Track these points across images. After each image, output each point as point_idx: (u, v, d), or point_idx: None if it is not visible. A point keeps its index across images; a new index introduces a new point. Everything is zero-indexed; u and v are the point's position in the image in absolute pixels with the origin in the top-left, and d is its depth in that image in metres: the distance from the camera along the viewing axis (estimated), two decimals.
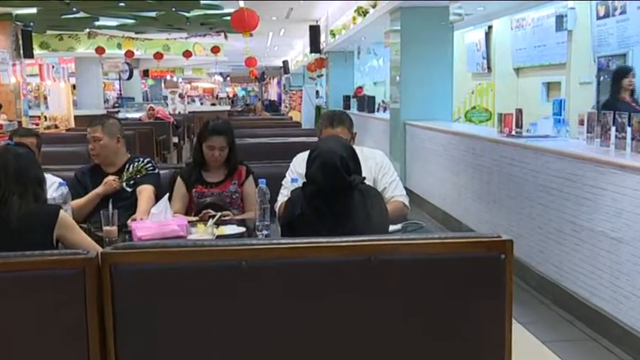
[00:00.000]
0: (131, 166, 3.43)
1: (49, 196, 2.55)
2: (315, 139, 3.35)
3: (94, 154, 3.36)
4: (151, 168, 3.44)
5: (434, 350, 1.79)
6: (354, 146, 3.23)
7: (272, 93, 39.16)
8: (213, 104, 22.65)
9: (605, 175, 3.48)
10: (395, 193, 3.13)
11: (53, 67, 12.60)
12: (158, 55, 17.37)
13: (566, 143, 4.34)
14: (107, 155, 3.37)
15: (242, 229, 2.88)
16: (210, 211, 3.07)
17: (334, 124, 3.06)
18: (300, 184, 2.93)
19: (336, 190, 2.36)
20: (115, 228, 2.72)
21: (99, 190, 3.27)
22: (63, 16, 12.50)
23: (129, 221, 2.93)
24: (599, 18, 6.75)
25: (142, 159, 3.48)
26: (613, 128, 3.76)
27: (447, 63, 7.61)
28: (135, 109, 16.04)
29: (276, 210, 3.22)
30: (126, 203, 3.28)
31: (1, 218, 2.22)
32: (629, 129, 3.58)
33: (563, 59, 7.63)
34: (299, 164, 3.27)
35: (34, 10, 11.33)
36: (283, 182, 3.28)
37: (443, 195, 6.35)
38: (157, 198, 3.21)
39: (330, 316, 1.76)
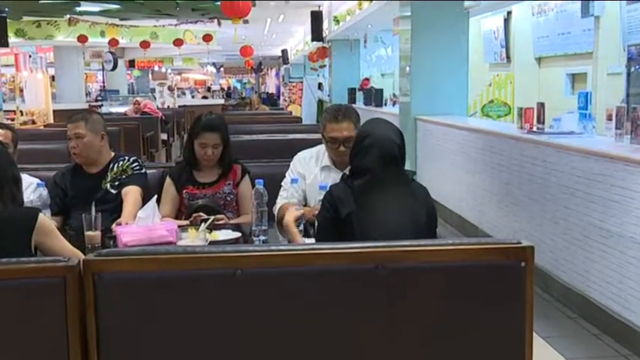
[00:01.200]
0: (115, 165, 3.44)
1: (25, 199, 2.55)
2: (318, 136, 3.36)
3: (76, 152, 3.37)
4: (137, 167, 3.45)
5: None
6: None
7: (270, 85, 39.17)
8: (205, 97, 22.67)
9: (636, 176, 3.48)
10: None
11: (30, 56, 12.61)
12: (145, 44, 17.40)
13: (593, 140, 4.34)
14: (90, 154, 3.38)
15: (237, 235, 2.89)
16: (202, 214, 3.08)
17: (339, 118, 3.07)
18: (301, 186, 2.94)
19: (392, 185, 2.34)
20: (98, 233, 2.72)
21: None
22: (41, 1, 12.53)
23: (113, 226, 2.94)
24: (629, 3, 6.74)
25: (127, 158, 3.49)
26: None
27: (462, 52, 7.61)
28: (119, 103, 16.05)
29: (275, 213, 3.22)
30: (110, 206, 3.29)
31: None
32: None
33: (589, 48, 7.63)
34: (300, 163, 3.28)
35: None
36: (283, 183, 3.29)
37: (457, 197, 6.35)
38: (144, 200, 3.21)
39: (334, 329, 1.76)
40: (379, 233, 2.23)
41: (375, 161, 2.34)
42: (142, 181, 3.40)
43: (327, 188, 2.66)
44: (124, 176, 3.40)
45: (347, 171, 2.57)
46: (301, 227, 2.80)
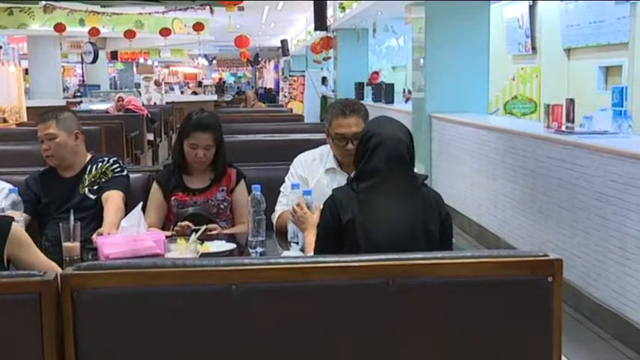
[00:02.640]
0: (94, 167, 3.45)
1: None
2: (322, 135, 3.37)
3: (49, 155, 3.37)
4: (118, 169, 3.46)
5: None
6: None
7: (268, 79, 39.22)
8: (195, 93, 22.71)
9: None
10: None
11: (1, 47, 12.65)
12: (129, 34, 17.43)
13: (629, 141, 4.34)
14: (65, 155, 3.39)
15: (232, 246, 2.89)
16: (190, 224, 3.08)
17: (347, 113, 3.08)
18: (301, 192, 2.95)
19: (400, 189, 2.34)
20: (77, 244, 2.73)
21: None
22: None
23: (94, 236, 2.95)
24: None
25: (106, 159, 3.50)
26: None
27: (482, 43, 7.62)
28: (100, 99, 16.08)
29: (273, 222, 3.23)
30: (89, 213, 3.30)
31: None
32: None
33: (624, 38, 7.63)
34: (301, 166, 3.29)
35: None
36: (282, 189, 3.30)
37: (477, 204, 6.35)
38: (127, 207, 3.22)
39: (338, 350, 1.76)
40: (384, 244, 2.24)
41: (382, 163, 2.34)
42: (123, 185, 3.41)
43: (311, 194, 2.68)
44: (103, 179, 3.41)
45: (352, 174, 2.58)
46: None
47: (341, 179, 3.18)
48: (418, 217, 2.35)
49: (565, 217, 4.65)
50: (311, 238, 2.63)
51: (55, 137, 3.34)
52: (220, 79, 37.10)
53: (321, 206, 2.55)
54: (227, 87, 34.14)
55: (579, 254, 4.43)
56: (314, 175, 3.23)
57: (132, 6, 16.15)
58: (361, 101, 9.71)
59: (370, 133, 2.43)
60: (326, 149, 3.26)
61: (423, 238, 2.30)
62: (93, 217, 3.27)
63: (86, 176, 3.42)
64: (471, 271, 1.79)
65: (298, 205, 2.84)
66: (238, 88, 34.28)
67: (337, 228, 2.36)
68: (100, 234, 2.96)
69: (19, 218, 2.86)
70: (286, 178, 3.30)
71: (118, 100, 10.66)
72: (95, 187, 3.40)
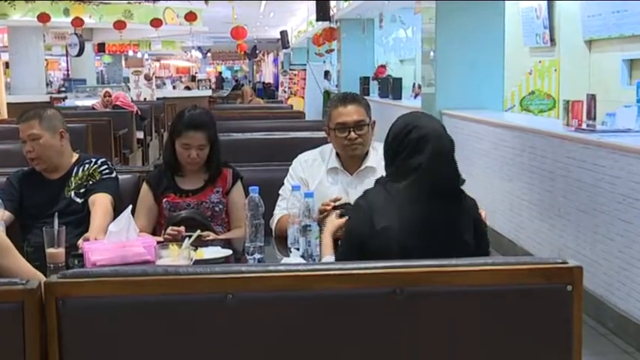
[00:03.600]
0: (80, 169, 3.45)
1: None
2: (324, 134, 3.38)
3: (34, 157, 3.37)
4: (107, 171, 3.46)
5: None
6: (374, 142, 3.26)
7: (266, 73, 39.25)
8: (188, 88, 22.72)
9: None
10: None
11: None
12: (117, 25, 17.45)
13: None
14: (50, 157, 3.39)
15: (227, 252, 2.90)
16: (182, 229, 3.09)
17: (347, 102, 3.13)
18: (302, 194, 2.94)
19: (443, 192, 2.31)
20: (61, 250, 2.74)
21: None
22: None
23: (80, 241, 2.96)
24: None
25: (94, 160, 3.51)
26: None
27: (497, 34, 7.62)
28: (86, 95, 16.08)
29: (272, 227, 3.23)
30: (75, 218, 3.31)
31: None
32: None
33: None
34: (301, 167, 3.29)
35: None
36: (281, 191, 3.30)
37: (491, 208, 6.35)
38: (116, 211, 3.23)
39: None
40: (420, 255, 2.21)
41: (427, 158, 2.28)
42: (112, 188, 3.42)
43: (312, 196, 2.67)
44: (90, 182, 3.41)
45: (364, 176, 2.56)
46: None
47: (344, 179, 3.20)
48: (456, 225, 2.32)
49: (586, 221, 4.65)
50: (327, 239, 2.61)
51: (38, 138, 3.34)
52: (220, 72, 37.17)
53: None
54: (228, 80, 34.23)
55: (601, 261, 4.43)
56: (315, 177, 3.24)
57: None
58: (366, 97, 9.72)
59: (409, 126, 2.37)
60: (327, 148, 3.28)
61: (459, 249, 2.22)
62: (79, 222, 3.28)
63: (72, 179, 3.43)
64: (484, 280, 1.79)
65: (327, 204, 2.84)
66: (237, 80, 34.31)
67: (369, 234, 2.31)
68: (87, 239, 2.96)
69: (0, 223, 2.87)
70: (285, 180, 3.31)
71: (104, 96, 10.66)
72: (82, 190, 3.40)
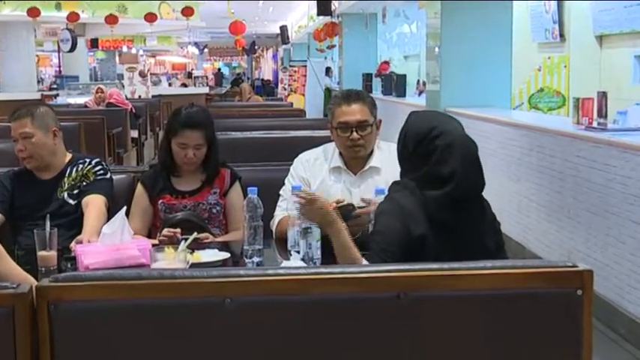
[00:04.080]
0: (74, 169, 3.46)
1: None
2: (325, 132, 3.38)
3: (26, 156, 3.38)
4: (102, 172, 3.47)
5: None
6: (380, 141, 3.26)
7: (265, 70, 39.25)
8: (184, 85, 22.73)
9: None
10: None
11: None
12: (111, 19, 17.45)
13: None
14: (43, 156, 3.39)
15: (225, 255, 2.90)
16: (178, 231, 3.09)
17: (350, 100, 3.11)
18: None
19: (471, 199, 2.35)
20: (53, 253, 2.74)
21: None
22: None
23: (72, 244, 2.96)
24: None
25: (88, 160, 3.51)
26: None
27: (505, 29, 7.62)
28: (79, 92, 16.08)
29: (272, 229, 3.23)
30: (68, 220, 3.31)
31: None
32: None
33: None
34: (302, 166, 3.29)
35: None
36: (281, 192, 3.30)
37: (498, 209, 6.32)
38: (110, 212, 3.23)
39: None
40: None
41: (458, 166, 2.32)
42: (106, 189, 3.42)
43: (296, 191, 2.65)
44: (84, 182, 3.42)
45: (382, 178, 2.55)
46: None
47: (347, 179, 3.20)
48: (480, 230, 2.36)
49: (596, 223, 4.65)
50: (344, 238, 2.53)
51: (31, 136, 3.34)
52: (219, 69, 37.16)
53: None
54: (231, 76, 34.19)
55: (612, 265, 4.43)
56: (317, 176, 3.23)
57: None
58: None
59: (435, 131, 2.38)
60: (330, 147, 3.28)
61: (480, 256, 2.20)
62: (72, 224, 3.28)
63: (65, 179, 3.43)
64: (490, 284, 1.79)
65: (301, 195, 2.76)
66: (238, 74, 34.26)
67: (406, 241, 2.33)
68: (80, 242, 2.97)
69: None
70: (286, 180, 3.31)
71: (97, 92, 10.67)
72: (75, 192, 3.40)
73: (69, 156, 3.53)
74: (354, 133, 3.09)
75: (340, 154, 3.22)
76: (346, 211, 2.85)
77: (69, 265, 2.81)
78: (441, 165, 2.35)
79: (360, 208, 2.92)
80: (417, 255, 2.31)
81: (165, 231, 3.10)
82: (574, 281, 1.79)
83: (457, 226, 2.34)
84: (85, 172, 3.45)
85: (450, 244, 2.30)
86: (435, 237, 2.31)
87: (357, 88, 3.44)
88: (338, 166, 3.22)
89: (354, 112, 3.10)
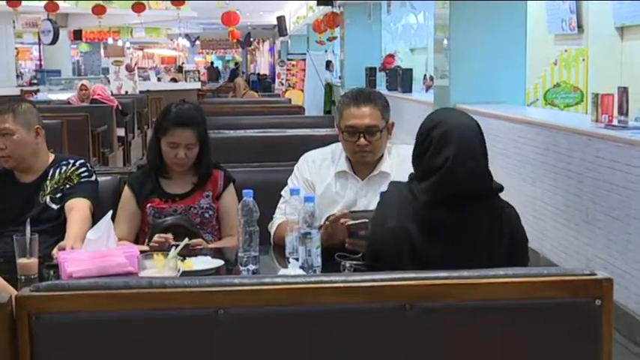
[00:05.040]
0: (57, 171, 3.46)
1: None
2: (326, 130, 3.39)
3: (4, 155, 3.37)
4: (86, 174, 3.47)
5: None
6: (392, 146, 3.25)
7: (261, 64, 39.27)
8: (174, 80, 22.74)
9: None
10: None
11: None
12: (96, 10, 17.45)
13: None
14: (24, 156, 3.40)
15: (218, 263, 2.90)
16: (169, 237, 3.09)
17: (360, 102, 3.08)
18: (302, 197, 2.95)
19: (470, 195, 2.31)
20: (34, 261, 2.75)
21: None
22: None
23: (54, 251, 2.96)
24: None
25: (71, 161, 3.51)
26: None
27: (518, 20, 7.63)
28: (61, 88, 16.11)
29: (271, 231, 3.23)
30: (50, 225, 3.31)
31: None
32: None
33: None
34: (307, 167, 3.27)
35: None
36: (283, 192, 3.29)
37: None
38: (95, 217, 3.23)
39: None
40: (437, 266, 2.22)
41: (450, 155, 2.31)
42: (91, 193, 3.42)
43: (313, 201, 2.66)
44: (67, 185, 3.42)
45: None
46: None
47: (353, 185, 3.17)
48: (481, 233, 2.32)
49: (617, 228, 4.65)
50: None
51: (12, 134, 3.34)
52: (212, 63, 37.17)
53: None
54: (226, 70, 34.22)
55: (634, 272, 4.43)
56: (323, 179, 3.21)
57: None
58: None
59: (432, 123, 2.40)
60: (338, 148, 3.25)
61: (482, 263, 2.18)
62: (55, 230, 3.28)
63: (48, 182, 3.43)
64: (503, 293, 1.79)
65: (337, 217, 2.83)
66: (236, 64, 34.26)
67: (379, 235, 2.37)
68: (62, 248, 2.97)
69: None
70: (289, 181, 3.30)
71: (80, 89, 10.67)
72: (58, 195, 3.40)
73: (52, 157, 3.53)
74: (362, 139, 3.05)
75: (347, 157, 3.21)
76: (357, 229, 2.85)
77: (51, 273, 2.82)
78: (436, 155, 2.35)
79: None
80: (393, 248, 2.31)
81: (157, 237, 3.09)
82: (592, 290, 1.79)
83: (449, 228, 2.31)
84: (68, 174, 3.45)
85: (438, 249, 2.28)
86: (422, 239, 2.29)
87: (368, 88, 3.43)
88: (344, 171, 3.20)
89: (363, 115, 3.06)
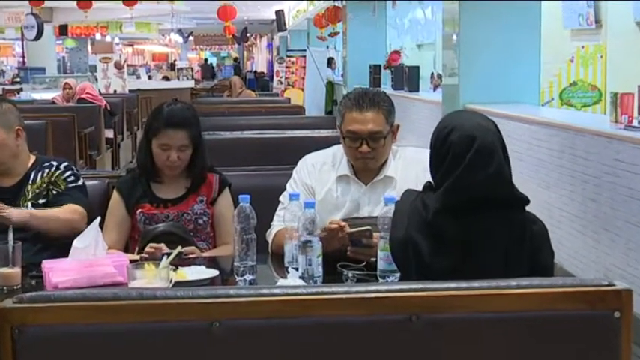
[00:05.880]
0: (39, 175, 3.45)
1: None
2: (328, 132, 3.39)
3: None
4: (72, 179, 3.46)
5: None
6: (396, 148, 3.25)
7: (259, 61, 39.29)
8: (166, 78, 22.76)
9: None
10: None
11: None
12: (82, 3, 17.48)
13: None
14: (3, 159, 3.40)
15: (213, 273, 2.90)
16: (162, 247, 3.09)
17: (364, 105, 3.07)
18: (302, 203, 2.96)
19: (488, 202, 2.29)
20: (17, 271, 2.75)
21: None
22: None
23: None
24: None
25: (55, 164, 3.50)
26: None
27: (532, 14, 7.63)
28: (46, 87, 16.14)
29: (269, 240, 3.23)
30: (33, 233, 3.28)
31: None
32: None
33: None
34: (307, 171, 3.27)
35: None
36: (281, 198, 3.29)
37: None
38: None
39: None
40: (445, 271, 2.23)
41: (464, 158, 2.31)
42: (83, 200, 3.41)
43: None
44: (54, 192, 3.40)
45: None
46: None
47: (356, 190, 3.16)
48: (495, 253, 2.30)
49: (637, 236, 4.65)
50: None
51: None
52: (206, 60, 37.19)
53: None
54: (224, 68, 34.25)
55: None
56: (324, 184, 3.21)
57: None
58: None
59: (448, 128, 2.39)
60: (340, 150, 3.24)
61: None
62: (37, 238, 3.27)
63: (29, 186, 3.41)
64: (515, 305, 1.79)
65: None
66: (236, 60, 34.23)
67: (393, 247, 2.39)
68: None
69: None
70: (288, 186, 3.29)
71: (65, 88, 10.68)
72: (41, 202, 3.38)
73: (33, 158, 3.52)
74: (364, 146, 3.04)
75: (349, 160, 3.20)
76: (360, 236, 2.85)
77: (32, 283, 2.81)
78: (458, 160, 2.33)
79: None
80: (400, 261, 2.34)
81: (150, 246, 3.09)
82: (611, 302, 1.79)
83: (459, 241, 2.30)
84: (53, 178, 3.43)
85: (446, 263, 2.28)
86: (431, 251, 2.30)
87: (372, 88, 3.38)
88: (346, 175, 3.19)
89: (366, 120, 3.05)
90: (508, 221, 2.37)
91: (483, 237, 2.32)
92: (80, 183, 3.48)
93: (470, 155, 2.32)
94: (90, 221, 3.01)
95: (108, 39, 28.48)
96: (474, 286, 1.82)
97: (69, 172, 3.48)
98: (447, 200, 2.32)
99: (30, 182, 3.43)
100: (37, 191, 3.41)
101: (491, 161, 2.35)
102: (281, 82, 20.88)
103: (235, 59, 36.86)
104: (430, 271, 2.24)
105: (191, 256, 3.14)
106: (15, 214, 3.14)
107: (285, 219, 3.11)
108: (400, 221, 2.37)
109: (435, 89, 11.61)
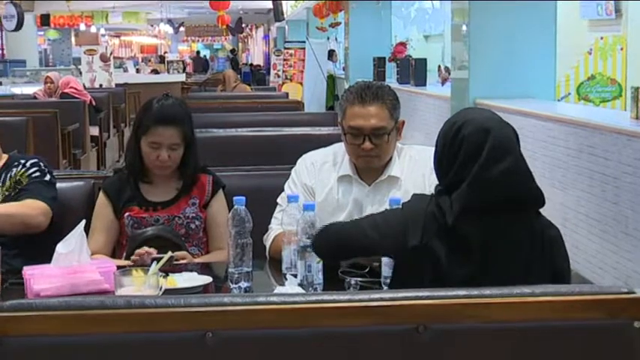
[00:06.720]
0: (8, 175, 3.42)
1: None
2: (329, 129, 3.39)
3: None
4: (37, 174, 3.42)
5: None
6: (401, 146, 3.25)
7: (254, 53, 39.30)
8: (156, 71, 22.77)
9: None
10: None
11: None
12: None
13: None
14: None
15: (206, 280, 2.91)
16: (152, 251, 3.10)
17: (366, 99, 3.07)
18: (301, 205, 2.96)
19: (507, 202, 2.29)
20: None
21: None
22: None
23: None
24: None
25: (22, 161, 3.47)
26: None
27: (547, 4, 7.62)
28: (26, 80, 16.14)
29: (266, 245, 3.23)
30: (10, 237, 3.28)
31: None
32: None
33: None
34: (307, 170, 3.27)
35: None
36: (279, 200, 3.29)
37: None
38: (64, 228, 3.23)
39: None
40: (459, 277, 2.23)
41: (478, 155, 2.29)
42: (44, 194, 3.36)
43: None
44: (18, 188, 3.39)
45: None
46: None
47: (358, 191, 3.16)
48: (513, 260, 2.30)
49: None
50: None
51: None
52: (198, 52, 37.20)
53: None
54: (218, 61, 34.24)
55: None
56: (324, 184, 3.21)
57: None
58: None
59: (458, 122, 2.38)
60: (341, 149, 3.24)
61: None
62: (14, 242, 3.26)
63: (0, 187, 3.41)
64: (530, 314, 1.80)
65: None
66: (233, 51, 34.18)
67: (400, 254, 2.38)
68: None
69: None
70: (286, 186, 3.29)
71: (46, 82, 10.68)
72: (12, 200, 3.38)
73: (5, 158, 3.51)
74: (367, 142, 3.04)
75: (351, 159, 3.20)
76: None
77: (6, 285, 2.81)
78: (473, 156, 2.31)
79: None
80: (416, 270, 2.32)
81: (138, 252, 3.08)
82: (630, 310, 1.79)
83: (480, 243, 2.30)
84: (18, 177, 3.41)
85: (466, 272, 2.28)
86: (449, 259, 2.29)
87: (375, 81, 3.36)
88: (347, 175, 3.19)
89: (369, 115, 3.05)
90: (529, 223, 2.37)
91: (505, 241, 2.32)
92: (46, 178, 3.44)
93: (486, 150, 2.30)
94: (73, 225, 2.99)
95: (93, 29, 28.48)
96: (485, 294, 1.83)
97: (34, 168, 3.43)
98: (467, 202, 2.30)
99: (1, 182, 3.42)
100: (7, 193, 3.38)
101: (508, 155, 2.33)
102: (278, 76, 20.89)
103: (233, 50, 36.86)
104: (448, 279, 2.24)
105: (182, 262, 3.14)
106: None
107: (284, 222, 3.10)
108: (413, 228, 2.36)
109: (443, 83, 11.62)
